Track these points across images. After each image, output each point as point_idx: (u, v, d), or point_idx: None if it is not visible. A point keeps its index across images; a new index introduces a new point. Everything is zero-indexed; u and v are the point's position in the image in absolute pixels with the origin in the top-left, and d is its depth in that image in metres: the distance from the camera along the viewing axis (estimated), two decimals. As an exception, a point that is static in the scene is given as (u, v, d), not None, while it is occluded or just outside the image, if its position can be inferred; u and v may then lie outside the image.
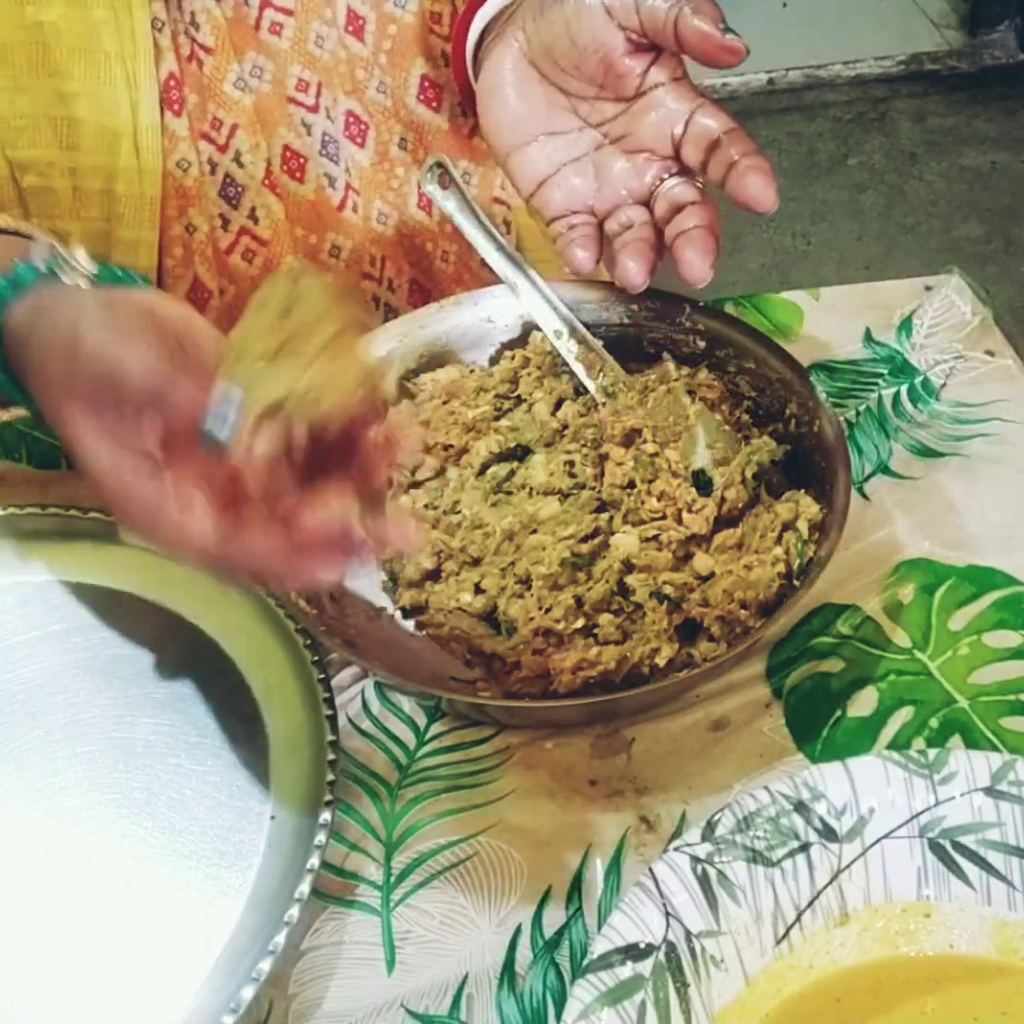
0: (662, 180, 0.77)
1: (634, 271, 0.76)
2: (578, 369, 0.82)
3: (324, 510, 0.55)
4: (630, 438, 0.78)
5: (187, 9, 0.86)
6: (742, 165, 0.72)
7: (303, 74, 0.90)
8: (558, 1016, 0.60)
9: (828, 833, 0.60)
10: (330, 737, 0.68)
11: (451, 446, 0.82)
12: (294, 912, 0.62)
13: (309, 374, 0.53)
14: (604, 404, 0.80)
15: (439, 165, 0.86)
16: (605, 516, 0.76)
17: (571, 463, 0.79)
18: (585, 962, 0.56)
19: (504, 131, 0.80)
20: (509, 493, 0.79)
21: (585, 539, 0.75)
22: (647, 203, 0.78)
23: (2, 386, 0.68)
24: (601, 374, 0.81)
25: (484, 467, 0.81)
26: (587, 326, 0.83)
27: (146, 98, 0.85)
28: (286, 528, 0.55)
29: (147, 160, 0.85)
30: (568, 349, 0.82)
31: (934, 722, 0.71)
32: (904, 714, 0.72)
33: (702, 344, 0.84)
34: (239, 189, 0.90)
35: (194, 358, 0.58)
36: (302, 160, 0.91)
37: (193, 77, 0.88)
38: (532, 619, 0.73)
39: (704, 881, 0.58)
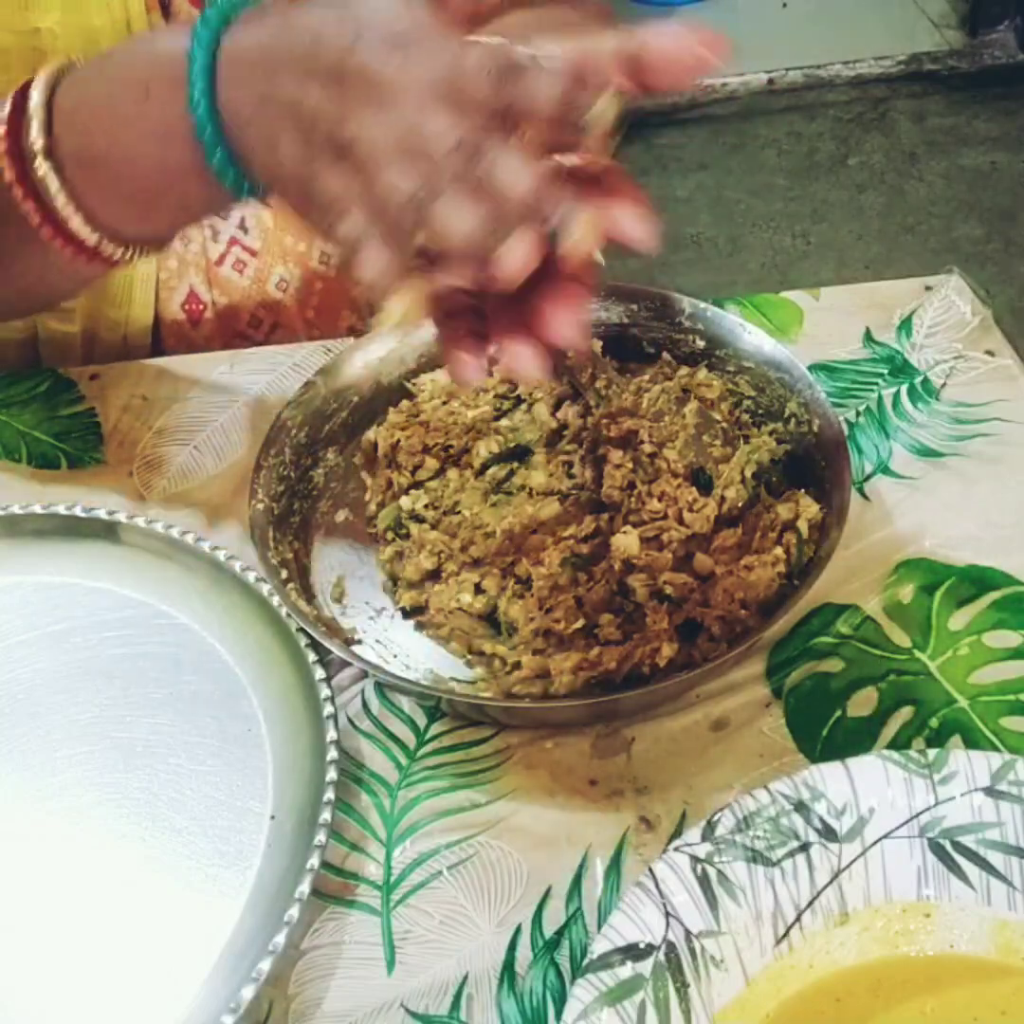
0: None
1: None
2: (570, 372, 0.82)
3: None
4: (627, 439, 0.78)
5: (175, 15, 0.86)
6: None
7: None
8: (558, 1016, 0.60)
9: (828, 833, 0.60)
10: (330, 737, 0.68)
11: (451, 446, 0.82)
12: (294, 912, 0.62)
13: None
14: (598, 406, 0.80)
15: None
16: (605, 517, 0.76)
17: (569, 465, 0.79)
18: (585, 962, 0.56)
19: None
20: (509, 493, 0.79)
21: (585, 540, 0.75)
22: None
23: (200, 116, 0.62)
24: (594, 377, 0.81)
25: (484, 467, 0.81)
26: (586, 327, 0.83)
27: None
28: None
29: None
30: None
31: (934, 722, 0.71)
32: (904, 714, 0.72)
33: (702, 344, 0.84)
34: None
35: None
36: None
37: None
38: (532, 619, 0.73)
39: (704, 881, 0.58)
